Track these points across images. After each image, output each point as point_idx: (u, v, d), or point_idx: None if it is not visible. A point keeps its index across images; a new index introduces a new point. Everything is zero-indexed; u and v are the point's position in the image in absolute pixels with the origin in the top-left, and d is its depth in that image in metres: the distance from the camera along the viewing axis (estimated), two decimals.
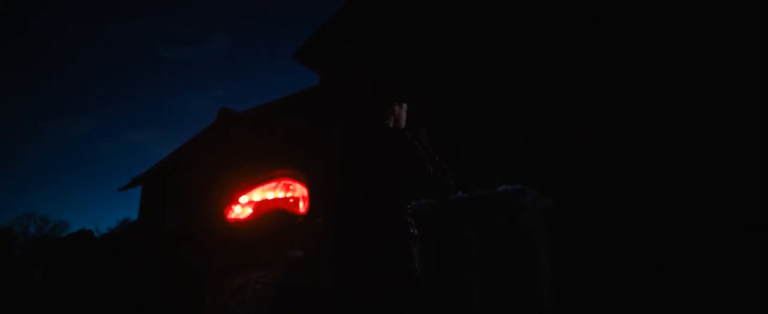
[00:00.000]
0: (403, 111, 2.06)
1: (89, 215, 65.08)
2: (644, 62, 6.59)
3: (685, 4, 6.53)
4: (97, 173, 66.33)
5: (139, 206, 14.47)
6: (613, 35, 6.95)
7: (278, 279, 1.00)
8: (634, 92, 6.54)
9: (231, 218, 1.29)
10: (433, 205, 5.48)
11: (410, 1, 9.12)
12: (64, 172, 63.02)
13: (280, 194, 1.36)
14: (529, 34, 7.69)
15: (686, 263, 5.57)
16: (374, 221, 1.54)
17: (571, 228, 6.21)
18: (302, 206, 1.29)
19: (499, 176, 6.34)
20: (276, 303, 0.99)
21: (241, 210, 1.38)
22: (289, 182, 1.41)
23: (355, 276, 1.41)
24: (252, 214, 1.29)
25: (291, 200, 1.29)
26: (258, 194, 1.37)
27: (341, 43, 9.83)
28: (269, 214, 1.19)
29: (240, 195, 1.39)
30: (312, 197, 1.33)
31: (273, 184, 1.38)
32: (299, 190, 1.38)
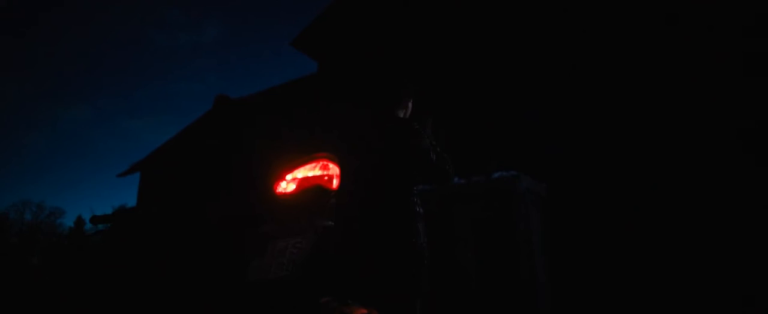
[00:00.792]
0: (411, 101, 2.26)
1: (85, 202, 65.01)
2: (636, 61, 6.79)
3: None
4: (93, 160, 66.15)
5: (138, 192, 14.63)
6: (606, 31, 7.14)
7: (311, 245, 1.12)
8: (625, 91, 6.75)
9: (278, 192, 1.41)
10: (431, 190, 5.67)
11: None
12: (60, 159, 62.83)
13: (318, 173, 1.49)
14: (527, 29, 7.85)
15: (668, 245, 5.86)
16: (386, 200, 1.74)
17: (564, 213, 6.47)
18: (335, 183, 1.41)
19: (495, 163, 6.53)
20: (307, 265, 1.12)
21: (286, 185, 1.52)
22: (326, 162, 1.55)
23: (370, 245, 1.60)
24: (295, 189, 1.42)
25: (325, 178, 1.41)
26: (301, 173, 1.50)
27: (343, 30, 9.88)
28: (308, 189, 1.30)
29: (287, 174, 1.53)
30: (342, 176, 1.45)
31: (313, 164, 1.52)
32: (333, 169, 1.52)
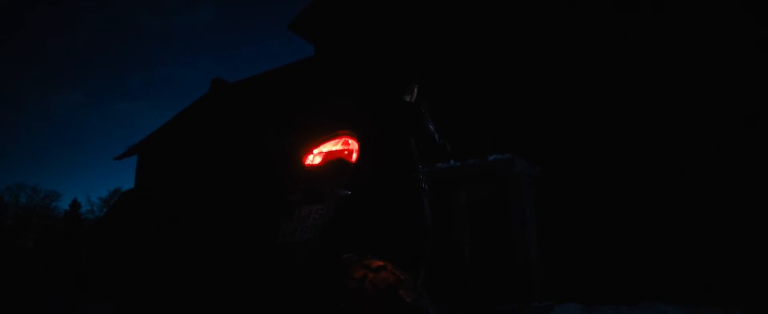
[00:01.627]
0: (416, 87, 2.44)
1: (80, 185, 64.90)
2: (627, 56, 6.94)
3: None
4: (87, 144, 65.92)
5: (136, 174, 14.74)
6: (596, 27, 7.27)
7: (331, 211, 1.24)
8: (614, 80, 6.92)
9: (307, 164, 1.53)
10: (428, 172, 5.83)
11: None
12: (54, 143, 62.58)
13: (340, 148, 1.62)
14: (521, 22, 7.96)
15: (654, 225, 6.11)
16: (396, 174, 1.93)
17: (557, 195, 6.69)
18: (354, 157, 1.53)
19: (491, 146, 6.70)
20: (328, 229, 1.25)
21: (313, 158, 1.65)
22: (347, 138, 1.67)
23: (382, 213, 1.79)
24: (321, 161, 1.53)
25: (346, 152, 1.54)
26: (326, 148, 1.63)
27: (340, 13, 9.91)
28: (331, 162, 1.41)
29: (315, 148, 1.65)
30: (360, 151, 1.58)
31: (336, 140, 1.64)
32: (352, 145, 1.65)
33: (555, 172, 6.79)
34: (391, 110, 2.03)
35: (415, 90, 2.38)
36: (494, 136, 7.25)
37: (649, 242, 6.18)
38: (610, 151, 6.71)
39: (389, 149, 1.75)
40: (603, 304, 5.82)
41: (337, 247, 1.33)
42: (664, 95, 6.56)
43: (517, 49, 7.86)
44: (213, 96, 14.22)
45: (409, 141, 1.99)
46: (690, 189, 6.10)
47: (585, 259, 6.46)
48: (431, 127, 2.28)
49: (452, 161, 6.41)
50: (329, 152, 1.32)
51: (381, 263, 1.22)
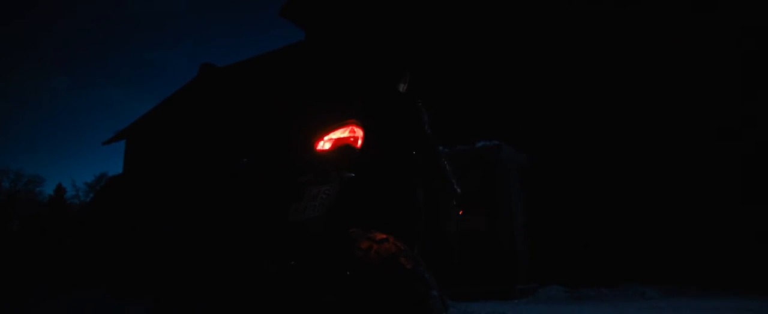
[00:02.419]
0: (408, 79, 2.58)
1: (65, 171, 64.21)
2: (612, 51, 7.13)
3: None
4: (70, 128, 65.07)
5: (124, 159, 14.70)
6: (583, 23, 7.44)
7: (336, 192, 1.36)
8: (599, 74, 7.10)
9: (318, 149, 1.64)
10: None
11: None
12: (37, 128, 61.66)
13: (347, 135, 1.73)
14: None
15: (635, 212, 6.37)
16: (394, 160, 2.09)
17: (542, 181, 6.89)
18: (359, 143, 1.65)
19: (479, 134, 6.86)
20: (334, 207, 1.37)
21: (323, 144, 1.76)
22: (354, 127, 1.79)
23: (381, 194, 1.95)
24: (330, 147, 1.64)
25: (352, 139, 1.65)
26: (336, 135, 1.74)
27: (333, 1, 9.91)
28: (339, 147, 1.52)
29: (325, 135, 1.75)
30: (364, 139, 1.69)
31: (344, 128, 1.75)
32: (358, 132, 1.77)
33: (541, 159, 6.98)
34: (388, 101, 2.18)
35: (408, 81, 2.52)
36: (482, 124, 7.41)
37: (629, 228, 6.42)
38: (595, 141, 6.92)
39: (388, 136, 1.92)
40: (585, 287, 6.04)
41: (343, 223, 1.49)
42: (646, 92, 6.77)
43: (505, 40, 7.99)
44: (202, 81, 14.18)
45: (406, 130, 2.15)
46: (667, 180, 6.37)
47: (569, 244, 6.68)
48: (424, 117, 2.43)
49: (441, 147, 6.55)
50: (338, 139, 1.47)
51: (384, 236, 1.38)
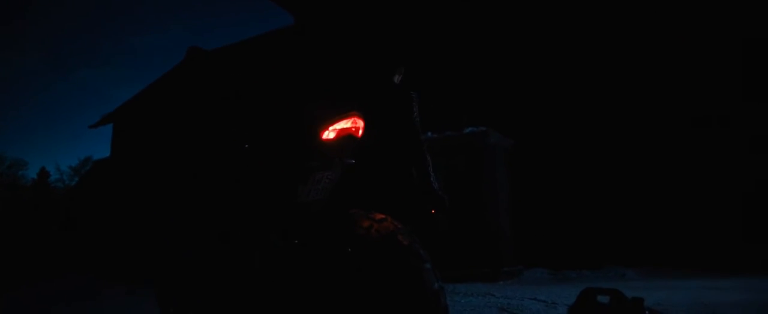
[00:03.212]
0: (403, 68, 2.68)
1: (48, 154, 63.33)
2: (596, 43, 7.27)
3: None
4: (53, 111, 64.12)
5: (111, 143, 14.63)
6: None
7: (338, 176, 1.47)
8: (582, 63, 7.25)
9: (323, 139, 1.73)
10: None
11: None
12: (16, 109, 60.58)
13: (350, 125, 1.83)
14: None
15: (610, 196, 6.59)
16: (390, 149, 2.22)
17: (528, 167, 7.06)
18: (360, 133, 1.75)
19: (467, 119, 6.97)
20: (335, 190, 1.49)
21: (328, 134, 1.87)
22: (356, 118, 1.89)
23: (377, 182, 2.08)
24: (334, 136, 1.74)
25: (353, 129, 1.76)
26: (340, 125, 1.85)
27: None
28: (342, 137, 1.61)
29: (330, 126, 1.86)
30: (365, 128, 1.80)
31: (348, 119, 1.86)
32: (359, 123, 1.88)
33: (527, 146, 7.14)
34: (385, 93, 2.31)
35: (403, 72, 2.63)
36: (470, 110, 7.52)
37: (610, 213, 6.63)
38: (579, 128, 7.10)
39: (386, 126, 2.07)
40: (568, 269, 6.25)
41: (345, 204, 1.63)
42: (625, 80, 6.95)
43: (492, 28, 8.08)
44: (190, 64, 14.10)
45: (400, 121, 2.28)
46: (647, 168, 6.60)
47: (553, 228, 6.88)
48: (415, 109, 2.55)
49: (429, 133, 6.66)
50: (341, 130, 1.62)
51: (383, 215, 1.52)
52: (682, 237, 6.13)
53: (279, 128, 1.76)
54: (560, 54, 7.48)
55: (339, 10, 9.51)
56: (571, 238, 6.75)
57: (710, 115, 6.41)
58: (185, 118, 10.55)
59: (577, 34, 7.42)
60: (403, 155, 2.18)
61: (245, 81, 9.47)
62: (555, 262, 6.51)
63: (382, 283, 1.46)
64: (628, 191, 6.62)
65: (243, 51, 12.78)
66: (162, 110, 12.57)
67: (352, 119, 1.66)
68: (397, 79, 2.52)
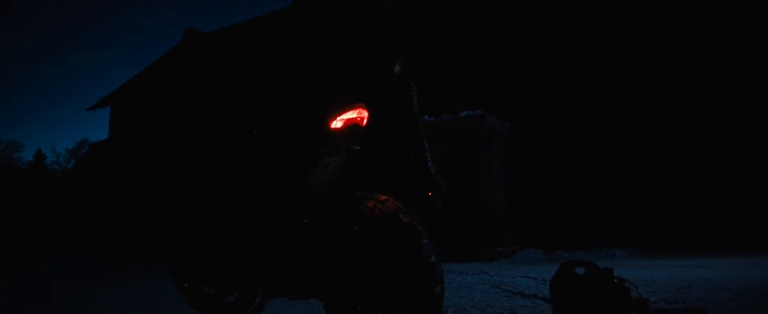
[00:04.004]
0: (403, 58, 2.81)
1: (43, 136, 63.16)
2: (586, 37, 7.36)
3: None
4: (47, 93, 63.69)
5: (110, 125, 14.68)
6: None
7: (344, 161, 1.62)
8: (576, 48, 7.35)
9: (332, 128, 1.86)
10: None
11: None
12: (9, 91, 60.20)
13: (355, 115, 1.95)
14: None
15: (602, 179, 6.76)
16: (392, 135, 2.37)
17: (523, 151, 7.22)
18: (365, 122, 1.88)
19: (463, 103, 7.10)
20: (342, 174, 1.64)
21: (336, 123, 2.01)
22: (361, 109, 2.02)
23: (380, 166, 2.25)
24: (342, 126, 1.86)
25: (358, 118, 1.88)
26: (347, 115, 1.98)
27: None
28: (349, 126, 1.73)
29: (338, 116, 1.98)
30: (369, 118, 1.92)
31: (354, 110, 1.99)
32: (364, 113, 2.02)
33: (522, 129, 7.29)
34: (387, 83, 2.45)
35: (403, 61, 2.76)
36: (467, 94, 7.64)
37: (602, 195, 6.82)
38: (573, 112, 7.23)
39: (388, 115, 2.23)
40: (561, 249, 6.45)
41: (351, 186, 1.80)
42: (618, 67, 7.07)
43: (489, 13, 8.15)
44: (187, 47, 14.10)
45: (400, 109, 2.42)
46: (638, 152, 6.77)
47: (547, 210, 7.07)
48: (414, 98, 2.69)
49: (427, 116, 6.78)
50: (348, 119, 1.79)
51: (385, 197, 1.69)
52: (670, 219, 6.33)
53: (291, 118, 1.92)
54: (556, 40, 7.58)
55: None
56: (564, 220, 6.94)
57: (700, 100, 6.56)
58: (190, 102, 10.63)
59: (572, 20, 7.52)
60: (403, 141, 2.35)
61: (242, 64, 9.54)
62: (548, 243, 6.70)
63: (384, 256, 1.64)
64: (619, 175, 6.79)
65: (239, 33, 12.79)
66: (161, 93, 12.62)
67: (358, 110, 1.83)
68: (397, 69, 2.65)
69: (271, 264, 1.75)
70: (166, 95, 12.21)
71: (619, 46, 7.12)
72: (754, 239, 5.65)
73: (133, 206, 10.92)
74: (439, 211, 2.26)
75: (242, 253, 1.85)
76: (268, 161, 1.85)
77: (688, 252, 5.58)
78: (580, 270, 1.53)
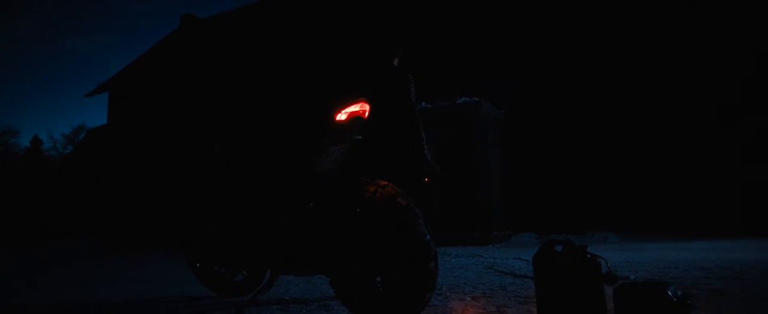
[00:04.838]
0: (401, 52, 2.95)
1: (40, 122, 62.94)
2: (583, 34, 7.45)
3: None
4: (44, 79, 63.39)
5: (108, 111, 14.74)
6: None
7: (347, 150, 1.77)
8: (572, 38, 7.45)
9: (337, 120, 1.98)
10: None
11: None
12: (7, 77, 59.85)
13: (358, 108, 2.07)
14: None
15: (595, 164, 6.91)
16: (391, 124, 2.53)
17: (519, 137, 7.36)
18: (366, 114, 2.01)
19: (459, 90, 7.21)
20: (345, 161, 1.79)
21: (340, 116, 2.16)
22: (364, 102, 2.15)
23: (381, 154, 2.41)
24: (346, 118, 1.98)
25: (361, 111, 2.01)
26: (350, 109, 2.11)
27: None
28: (352, 118, 1.86)
29: (343, 109, 2.10)
30: (371, 110, 2.06)
31: (357, 104, 2.12)
32: (365, 106, 2.17)
33: (519, 117, 7.43)
34: (387, 76, 2.60)
35: (401, 55, 2.90)
36: (463, 80, 7.75)
37: (596, 182, 6.98)
38: (570, 100, 7.35)
39: (388, 107, 2.41)
40: (554, 233, 6.62)
41: (354, 173, 1.96)
42: (613, 57, 7.17)
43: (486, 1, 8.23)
44: (184, 33, 14.10)
45: (400, 99, 2.58)
46: (630, 139, 6.91)
47: (541, 195, 7.23)
48: (412, 90, 2.83)
49: (423, 103, 6.89)
50: (351, 112, 1.95)
51: (385, 182, 1.85)
52: (661, 205, 6.50)
53: (298, 111, 2.08)
54: (553, 27, 7.67)
55: None
56: (558, 205, 7.11)
57: (690, 88, 6.69)
58: (183, 90, 10.71)
59: (568, 9, 7.60)
60: (401, 131, 2.51)
61: (241, 51, 9.60)
62: (542, 227, 6.88)
63: (384, 235, 1.81)
64: (613, 162, 6.94)
65: (238, 19, 12.80)
66: (160, 80, 12.68)
67: (360, 103, 1.99)
68: (396, 62, 2.79)
69: (282, 246, 1.92)
70: (166, 84, 12.27)
71: (613, 36, 7.22)
72: (741, 224, 5.84)
73: (132, 193, 11.05)
74: (434, 195, 2.43)
75: (255, 237, 2.02)
76: (277, 151, 2.02)
77: (678, 236, 5.76)
78: (559, 248, 1.71)
